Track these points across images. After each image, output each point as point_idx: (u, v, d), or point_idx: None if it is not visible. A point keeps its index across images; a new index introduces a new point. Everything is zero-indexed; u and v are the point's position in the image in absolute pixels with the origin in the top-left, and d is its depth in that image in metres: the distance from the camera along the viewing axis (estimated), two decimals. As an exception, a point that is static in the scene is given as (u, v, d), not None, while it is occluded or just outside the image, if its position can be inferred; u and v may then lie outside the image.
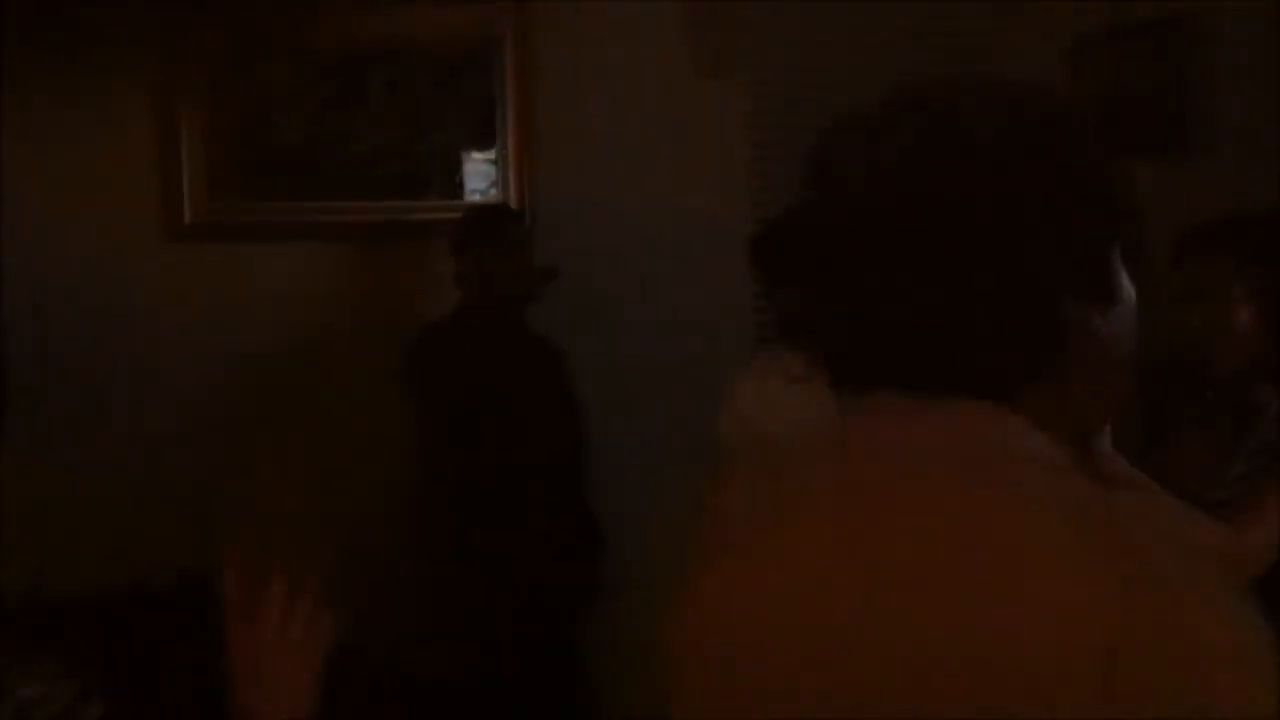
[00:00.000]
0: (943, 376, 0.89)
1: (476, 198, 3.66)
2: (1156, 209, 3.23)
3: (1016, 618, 0.79)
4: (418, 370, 3.31)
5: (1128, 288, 0.94)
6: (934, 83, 0.94)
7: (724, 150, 3.66)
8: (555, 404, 3.36)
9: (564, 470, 3.35)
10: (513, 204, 3.63)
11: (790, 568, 0.90)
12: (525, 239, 3.39)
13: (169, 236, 3.45)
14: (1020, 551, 0.81)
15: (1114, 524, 0.84)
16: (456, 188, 3.67)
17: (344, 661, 1.26)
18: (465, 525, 3.24)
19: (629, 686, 1.03)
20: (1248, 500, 1.84)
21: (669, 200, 3.61)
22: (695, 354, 3.47)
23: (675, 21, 3.65)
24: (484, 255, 3.30)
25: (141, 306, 3.43)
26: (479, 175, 3.68)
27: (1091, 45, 3.64)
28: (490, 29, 3.59)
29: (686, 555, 0.98)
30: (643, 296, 3.61)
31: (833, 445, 0.95)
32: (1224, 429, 2.05)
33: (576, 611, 3.34)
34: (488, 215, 3.46)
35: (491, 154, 3.66)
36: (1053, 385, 0.89)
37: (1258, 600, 0.82)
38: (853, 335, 0.92)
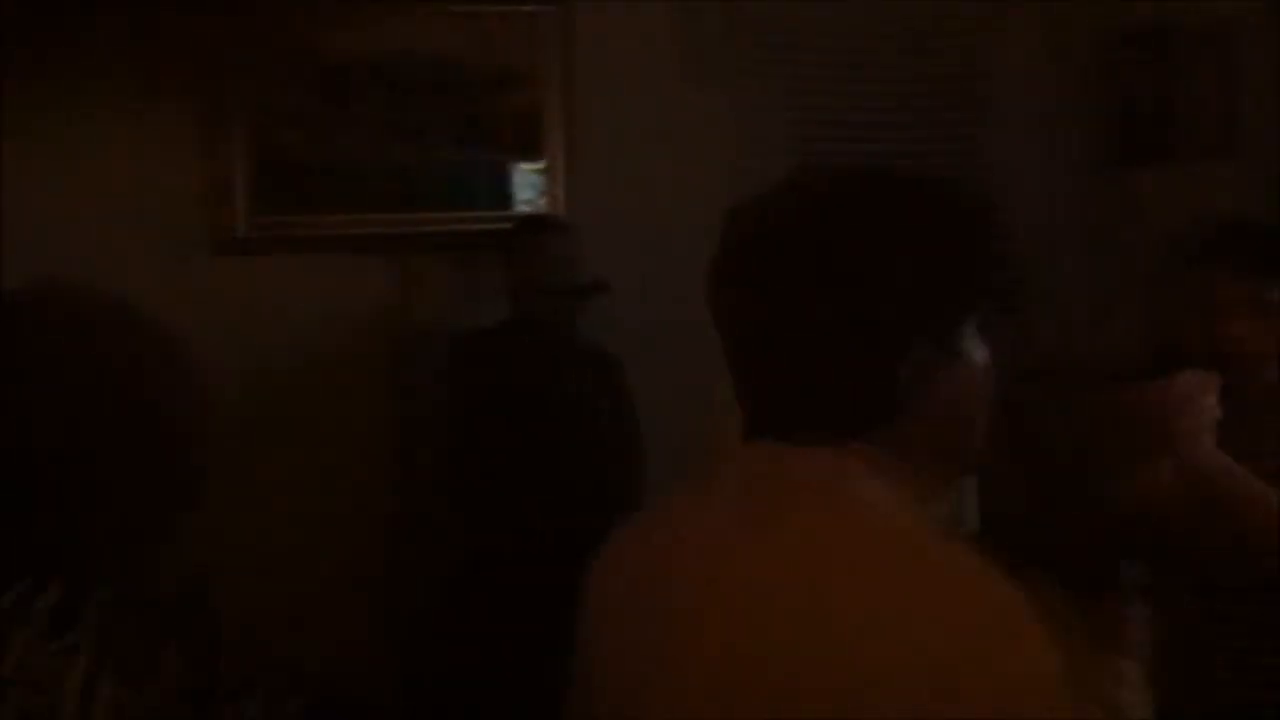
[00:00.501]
0: (801, 423, 1.01)
1: (524, 209, 3.68)
2: (1160, 215, 3.24)
3: (809, 631, 0.91)
4: (463, 374, 3.32)
5: (977, 351, 1.04)
6: (824, 169, 1.09)
7: (766, 159, 3.65)
8: (609, 414, 3.35)
9: (616, 484, 3.29)
10: (558, 214, 3.65)
11: (646, 562, 1.07)
12: (573, 250, 3.38)
13: (217, 250, 3.49)
14: (814, 579, 0.93)
15: (908, 560, 0.94)
16: (503, 198, 3.69)
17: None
18: (500, 540, 3.22)
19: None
20: None
21: (707, 210, 3.61)
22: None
23: (713, 29, 3.66)
24: (532, 265, 3.31)
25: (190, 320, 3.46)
26: (525, 185, 3.70)
27: (1095, 51, 3.63)
28: (533, 40, 3.63)
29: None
30: (682, 305, 3.60)
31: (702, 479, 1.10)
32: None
33: None
34: (534, 226, 3.47)
35: (539, 164, 3.68)
36: (901, 434, 1.01)
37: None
38: (740, 388, 1.07)
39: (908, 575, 0.92)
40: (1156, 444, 1.84)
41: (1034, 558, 1.07)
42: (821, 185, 1.05)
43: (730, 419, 1.10)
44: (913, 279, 0.99)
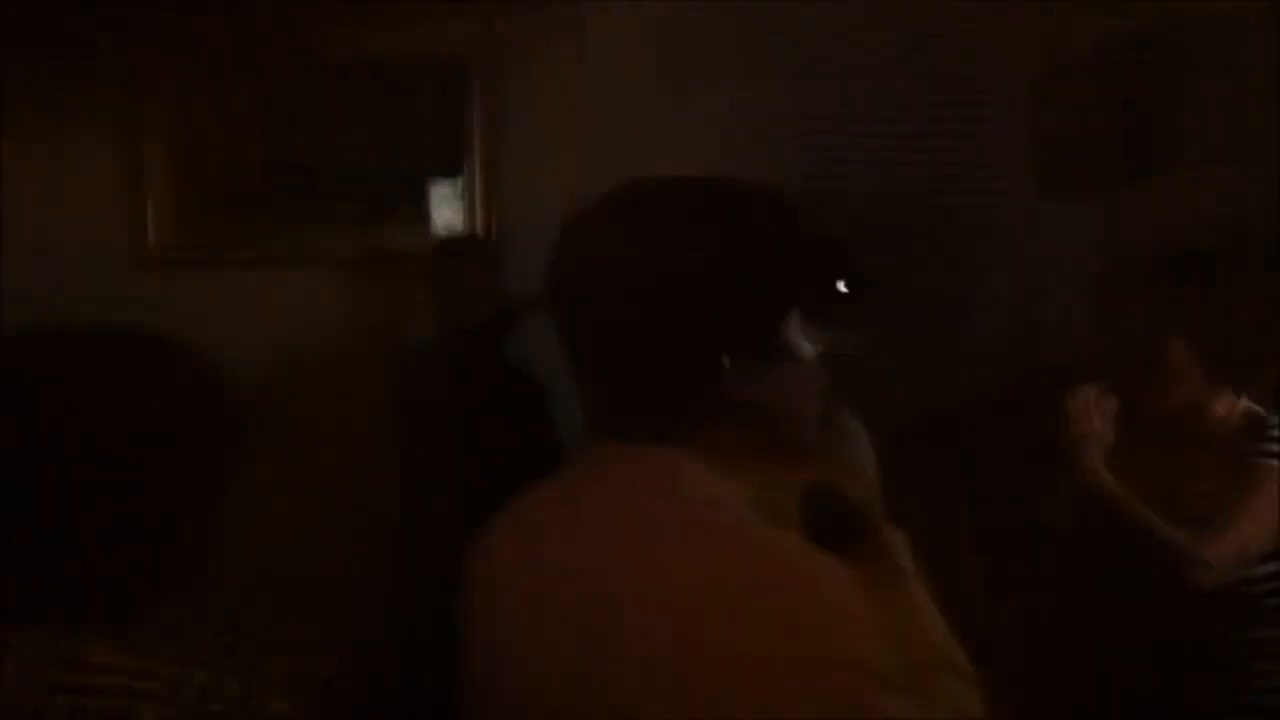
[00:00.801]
0: (633, 425, 1.08)
1: (440, 225, 3.64)
2: (1130, 236, 3.27)
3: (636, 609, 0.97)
4: (402, 388, 3.33)
5: (799, 348, 1.09)
6: (643, 183, 1.11)
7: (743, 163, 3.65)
8: (527, 438, 3.29)
9: None
10: (479, 231, 3.62)
11: (516, 551, 1.14)
12: (491, 271, 3.37)
13: (136, 264, 3.45)
14: (633, 564, 1.00)
15: (715, 547, 0.99)
16: (422, 215, 3.65)
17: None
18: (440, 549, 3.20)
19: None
20: (1216, 512, 1.91)
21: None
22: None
23: (646, 42, 3.68)
24: (452, 291, 3.33)
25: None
26: (444, 201, 3.68)
27: (1063, 74, 3.68)
28: (459, 50, 3.58)
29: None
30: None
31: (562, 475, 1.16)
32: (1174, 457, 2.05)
33: None
34: (453, 247, 3.46)
35: (458, 180, 3.65)
36: (728, 431, 1.07)
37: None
38: (581, 391, 1.12)
39: (707, 561, 0.97)
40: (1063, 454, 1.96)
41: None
42: (641, 199, 1.10)
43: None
44: (717, 287, 1.05)
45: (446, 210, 3.66)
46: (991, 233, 3.79)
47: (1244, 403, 2.05)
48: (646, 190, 1.11)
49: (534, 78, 3.63)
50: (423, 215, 3.64)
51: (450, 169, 3.64)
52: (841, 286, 1.11)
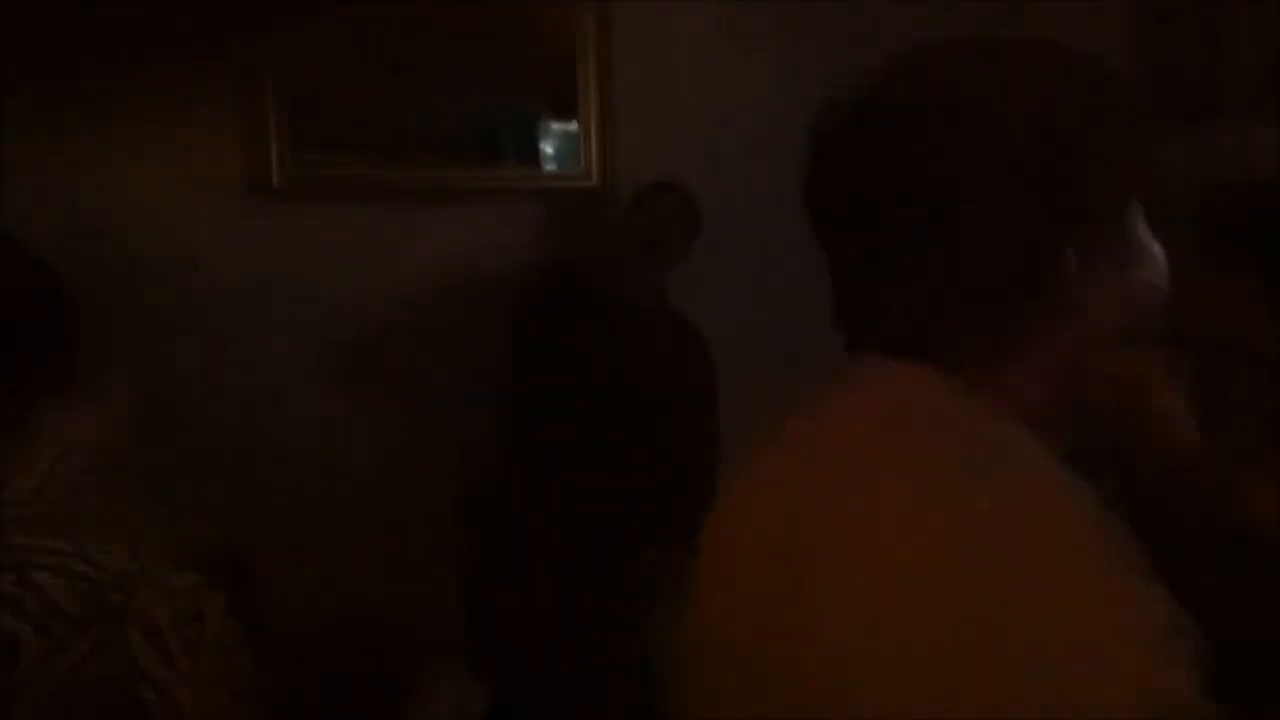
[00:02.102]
0: (911, 342, 0.91)
1: (553, 167, 3.68)
2: (1205, 173, 3.20)
3: (871, 572, 0.80)
4: (529, 330, 3.32)
5: (1149, 255, 0.93)
6: (924, 56, 0.94)
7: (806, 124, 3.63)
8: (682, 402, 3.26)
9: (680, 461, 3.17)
10: (594, 176, 3.64)
11: (749, 503, 0.97)
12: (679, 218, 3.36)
13: (261, 199, 3.48)
14: (881, 509, 0.83)
15: (994, 490, 0.81)
16: (534, 156, 3.69)
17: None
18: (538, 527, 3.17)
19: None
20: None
21: (749, 176, 3.62)
22: (778, 333, 3.47)
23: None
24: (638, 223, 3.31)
25: (226, 265, 3.47)
26: (559, 144, 3.69)
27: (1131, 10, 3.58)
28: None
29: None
30: (725, 271, 3.64)
31: (808, 399, 0.98)
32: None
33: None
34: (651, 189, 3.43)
35: (572, 124, 3.67)
36: (1030, 353, 0.90)
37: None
38: (844, 303, 0.96)
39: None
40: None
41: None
42: (927, 84, 0.92)
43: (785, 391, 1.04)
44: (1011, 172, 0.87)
45: (560, 150, 3.66)
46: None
47: None
48: (961, 65, 0.92)
49: (643, 25, 3.64)
50: (535, 155, 3.67)
51: (565, 111, 3.64)
52: None
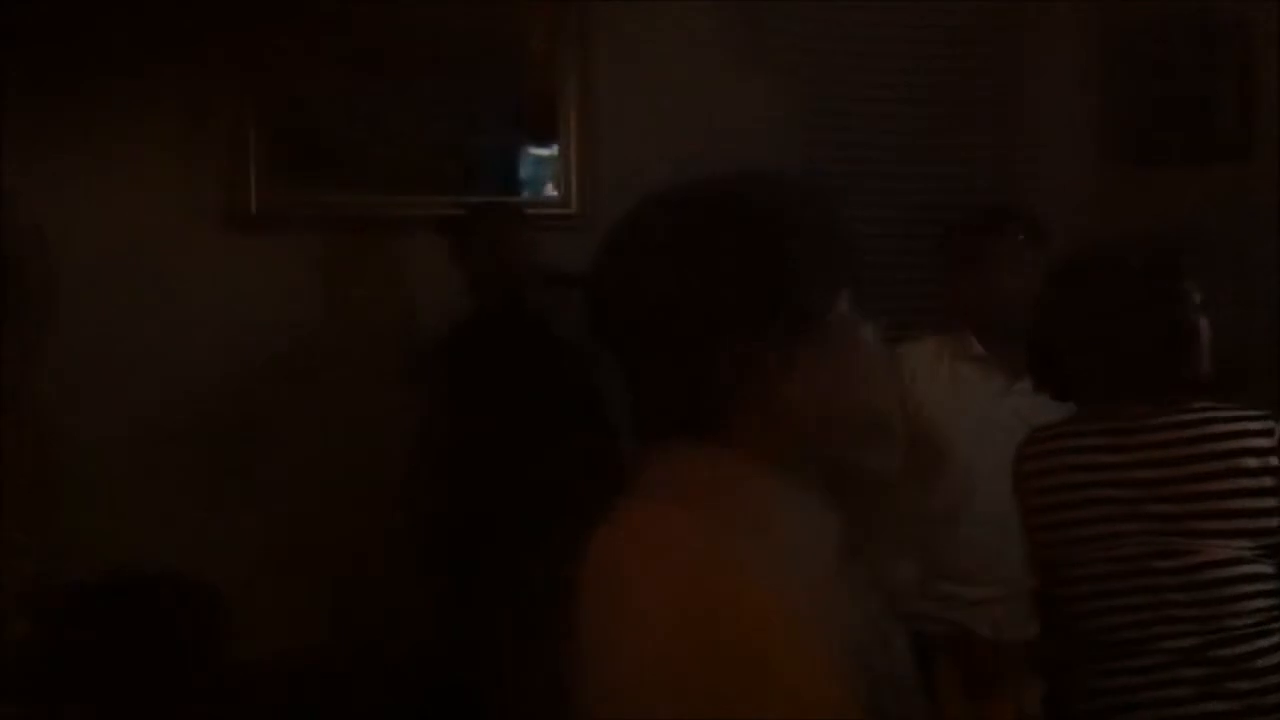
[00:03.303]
0: (671, 423, 1.07)
1: (532, 195, 3.67)
2: (1179, 215, 3.24)
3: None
4: (442, 369, 3.27)
5: (829, 348, 1.06)
6: (692, 184, 1.12)
7: (781, 153, 3.63)
8: (570, 414, 3.22)
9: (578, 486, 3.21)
10: (572, 202, 3.61)
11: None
12: (527, 240, 3.28)
13: (231, 226, 3.47)
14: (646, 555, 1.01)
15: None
16: (513, 184, 3.67)
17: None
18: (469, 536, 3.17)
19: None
20: None
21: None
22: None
23: (736, 19, 3.65)
24: (482, 259, 3.21)
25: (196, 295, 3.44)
26: (538, 171, 3.68)
27: (1134, 44, 3.63)
28: (554, 23, 3.61)
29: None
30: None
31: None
32: None
33: None
34: (485, 217, 3.32)
35: (552, 150, 3.65)
36: (758, 424, 1.04)
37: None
38: (632, 393, 1.11)
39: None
40: None
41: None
42: (660, 208, 1.11)
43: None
44: (714, 291, 1.04)
45: (539, 177, 3.64)
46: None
47: None
48: (668, 201, 1.12)
49: (625, 52, 3.64)
50: (515, 183, 3.67)
51: (544, 138, 3.62)
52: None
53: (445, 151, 3.59)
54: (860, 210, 3.43)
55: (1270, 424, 1.82)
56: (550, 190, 3.68)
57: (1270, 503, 1.80)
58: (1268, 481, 1.80)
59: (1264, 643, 1.82)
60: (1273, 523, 1.80)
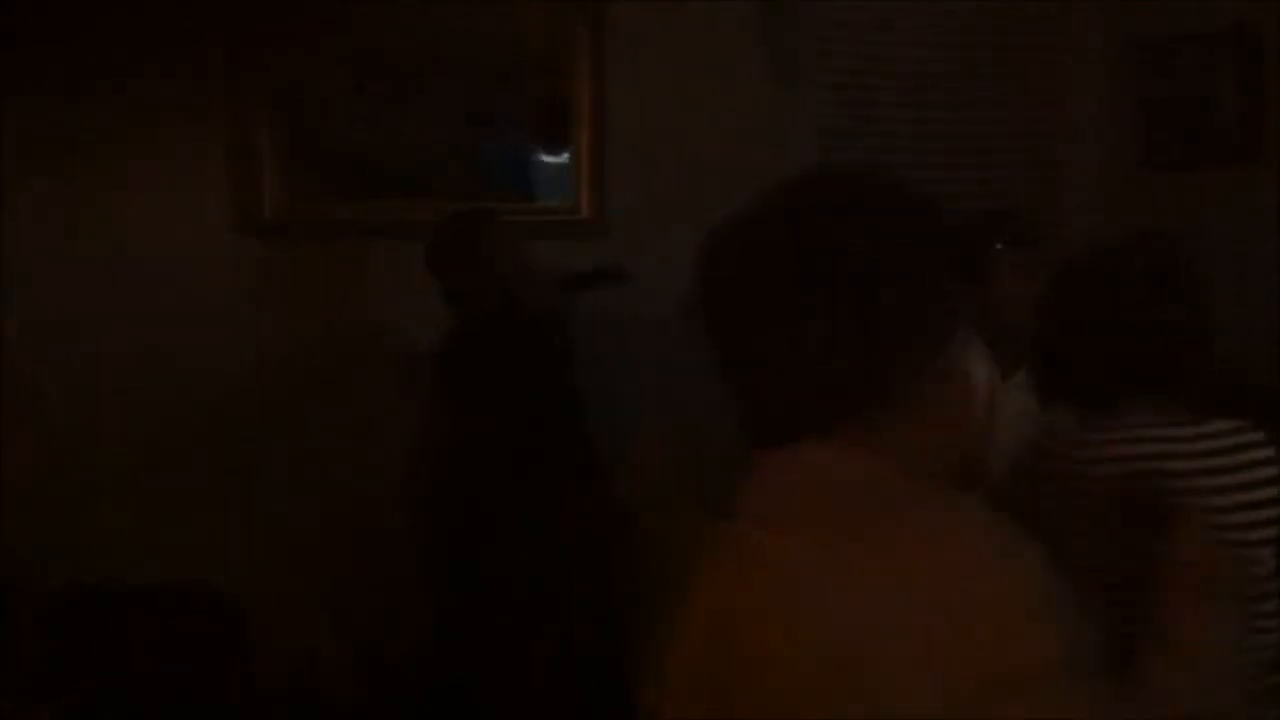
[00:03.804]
0: (801, 426, 1.06)
1: (547, 200, 3.68)
2: (1186, 221, 3.25)
3: None
4: (439, 372, 3.24)
5: (971, 369, 1.10)
6: (800, 182, 1.13)
7: (798, 158, 3.65)
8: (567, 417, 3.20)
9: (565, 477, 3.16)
10: (584, 207, 3.63)
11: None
12: (509, 242, 3.19)
13: (245, 233, 3.48)
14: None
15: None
16: (527, 188, 3.69)
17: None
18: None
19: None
20: None
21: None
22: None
23: (750, 26, 3.66)
24: (460, 274, 3.13)
25: (214, 302, 3.47)
26: (551, 177, 3.69)
27: (1152, 49, 3.64)
28: (565, 28, 3.61)
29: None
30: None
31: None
32: None
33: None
34: (461, 226, 3.20)
35: (565, 156, 3.68)
36: (894, 431, 1.05)
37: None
38: (744, 401, 1.11)
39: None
40: None
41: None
42: (806, 196, 1.11)
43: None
44: (897, 287, 1.05)
45: (552, 185, 3.66)
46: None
47: None
48: (817, 188, 1.12)
49: (640, 59, 3.64)
50: (528, 191, 3.67)
51: (557, 146, 3.65)
52: None
53: (457, 156, 3.59)
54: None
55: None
56: (561, 195, 3.67)
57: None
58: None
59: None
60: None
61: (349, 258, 3.56)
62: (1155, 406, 1.84)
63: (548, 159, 3.68)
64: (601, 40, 3.61)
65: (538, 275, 3.18)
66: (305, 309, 3.53)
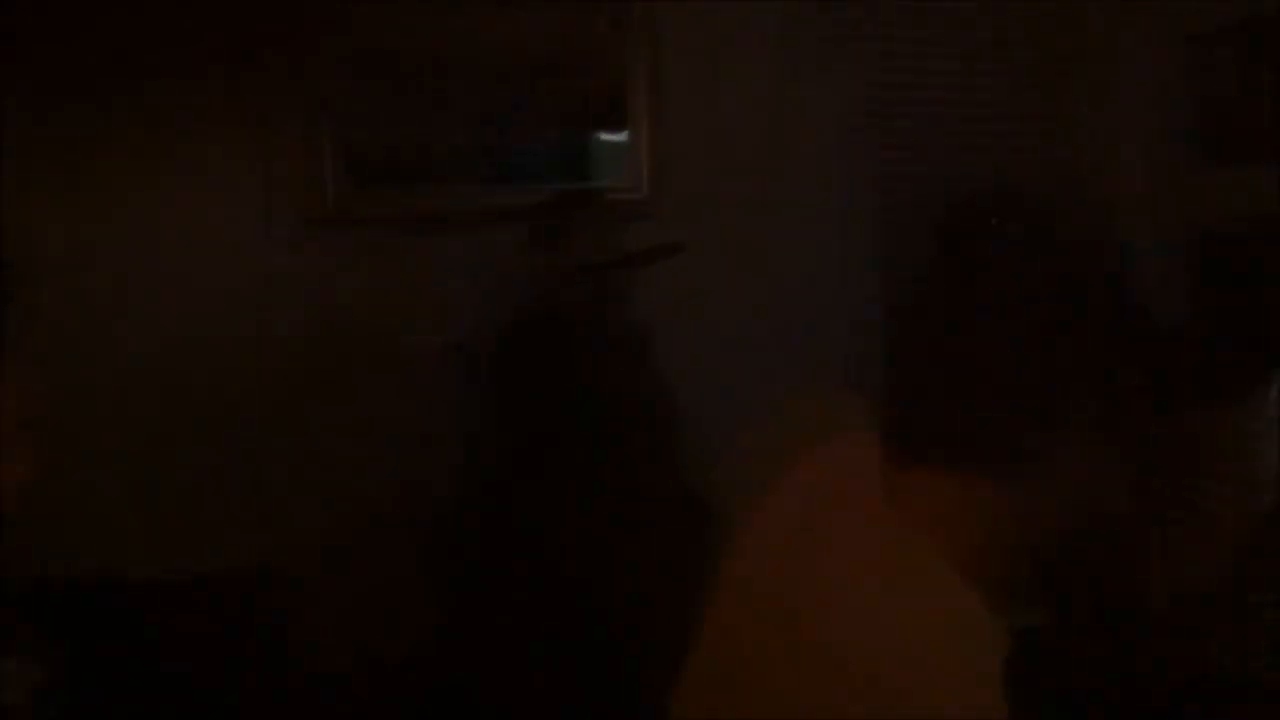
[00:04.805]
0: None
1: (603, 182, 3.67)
2: (1243, 214, 3.17)
3: None
4: (503, 366, 3.21)
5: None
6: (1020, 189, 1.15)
7: (851, 141, 3.63)
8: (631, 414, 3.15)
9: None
10: (643, 189, 3.62)
11: None
12: (604, 221, 3.20)
13: (310, 225, 3.51)
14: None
15: None
16: (585, 173, 3.69)
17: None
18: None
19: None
20: None
21: (794, 191, 3.62)
22: (815, 349, 3.46)
23: (804, 8, 3.64)
24: (554, 253, 3.13)
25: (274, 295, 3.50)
26: (607, 160, 3.70)
27: (1207, 46, 3.57)
28: (619, 15, 3.63)
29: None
30: (763, 286, 3.63)
31: None
32: None
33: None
34: (553, 208, 3.21)
35: (622, 137, 3.67)
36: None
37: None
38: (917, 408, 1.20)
39: None
40: None
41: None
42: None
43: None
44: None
45: (611, 168, 3.66)
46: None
47: None
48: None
49: (692, 42, 3.64)
50: (586, 174, 3.68)
51: (614, 125, 3.66)
52: None
53: (515, 147, 3.61)
54: (921, 210, 3.40)
55: None
56: (619, 176, 3.66)
57: None
58: None
59: None
60: None
61: (412, 249, 3.57)
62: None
63: (605, 138, 3.66)
64: (655, 26, 3.60)
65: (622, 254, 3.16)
66: (371, 302, 3.55)
